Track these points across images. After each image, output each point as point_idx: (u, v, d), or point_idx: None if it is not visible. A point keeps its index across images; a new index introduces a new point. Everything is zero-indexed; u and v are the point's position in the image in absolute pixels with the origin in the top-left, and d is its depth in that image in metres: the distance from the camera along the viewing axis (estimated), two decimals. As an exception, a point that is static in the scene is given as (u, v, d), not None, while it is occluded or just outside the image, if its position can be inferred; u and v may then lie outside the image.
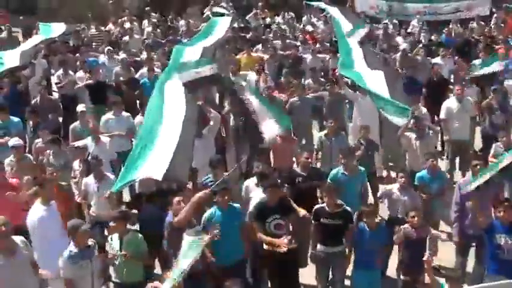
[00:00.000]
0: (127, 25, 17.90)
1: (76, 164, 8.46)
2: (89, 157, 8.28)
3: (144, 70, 12.39)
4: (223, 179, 6.88)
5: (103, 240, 6.71)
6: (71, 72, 12.33)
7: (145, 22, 18.88)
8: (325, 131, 9.37)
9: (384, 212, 7.75)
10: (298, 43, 15.50)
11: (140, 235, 6.61)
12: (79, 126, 9.68)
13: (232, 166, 8.81)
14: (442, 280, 5.93)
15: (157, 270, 7.19)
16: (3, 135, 9.32)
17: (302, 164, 7.96)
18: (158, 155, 6.46)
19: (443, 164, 10.05)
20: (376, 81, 8.85)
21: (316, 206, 7.05)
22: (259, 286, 7.20)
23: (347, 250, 6.91)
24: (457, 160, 10.03)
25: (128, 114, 9.99)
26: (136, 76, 12.42)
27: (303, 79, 12.39)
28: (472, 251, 7.36)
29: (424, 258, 5.93)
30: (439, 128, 10.34)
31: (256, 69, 12.31)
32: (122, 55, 14.01)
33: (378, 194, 7.82)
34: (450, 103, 10.10)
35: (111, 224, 6.50)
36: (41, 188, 6.89)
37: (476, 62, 12.76)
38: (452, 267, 7.29)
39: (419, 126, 8.66)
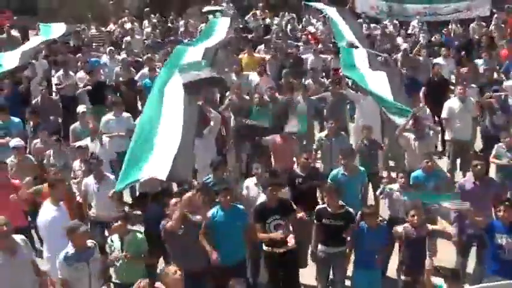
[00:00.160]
0: (128, 25, 17.93)
1: (76, 164, 8.47)
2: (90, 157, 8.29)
3: (145, 70, 12.40)
4: (224, 179, 6.88)
5: (103, 241, 6.72)
6: (71, 73, 12.34)
7: (145, 22, 18.90)
8: (326, 132, 9.38)
9: (384, 212, 7.75)
10: (300, 43, 15.51)
11: (140, 235, 6.62)
12: (79, 127, 9.69)
13: (232, 166, 8.82)
14: (441, 281, 5.93)
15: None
16: (4, 136, 9.33)
17: (301, 164, 7.97)
18: (161, 155, 6.45)
19: (444, 164, 10.04)
20: (378, 82, 8.85)
21: (318, 207, 7.06)
22: (259, 286, 7.20)
23: (347, 250, 6.91)
24: (458, 160, 10.01)
25: (128, 114, 10.00)
26: (137, 76, 12.45)
27: (303, 79, 12.40)
28: (473, 251, 7.35)
29: (426, 265, 5.91)
30: (439, 128, 10.33)
31: (258, 70, 12.32)
32: (123, 55, 14.02)
33: (378, 191, 7.81)
34: (452, 103, 10.07)
35: (116, 224, 6.48)
36: (53, 188, 6.89)
37: (479, 61, 12.77)
38: (453, 267, 7.27)
39: (418, 126, 8.65)
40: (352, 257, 6.86)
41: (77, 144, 8.88)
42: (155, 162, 6.39)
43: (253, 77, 12.14)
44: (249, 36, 16.83)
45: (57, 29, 13.47)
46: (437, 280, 6.06)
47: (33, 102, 11.11)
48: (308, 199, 7.50)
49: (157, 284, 5.56)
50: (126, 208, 7.50)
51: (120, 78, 12.27)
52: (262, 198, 7.13)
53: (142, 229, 7.29)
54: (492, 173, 8.87)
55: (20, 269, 5.66)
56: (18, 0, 23.94)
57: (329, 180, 7.74)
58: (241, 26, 18.01)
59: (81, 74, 12.44)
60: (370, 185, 8.48)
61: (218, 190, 6.87)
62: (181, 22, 19.22)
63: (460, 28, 16.82)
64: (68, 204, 7.07)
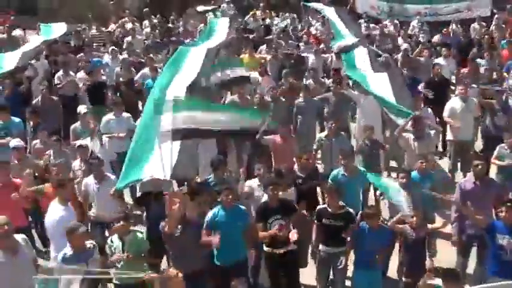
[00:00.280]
0: (128, 26, 17.92)
1: (76, 164, 8.46)
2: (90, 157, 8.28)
3: (145, 70, 12.38)
4: (225, 179, 6.87)
5: (103, 242, 6.70)
6: (71, 73, 12.34)
7: (145, 23, 18.90)
8: (326, 132, 9.37)
9: (383, 212, 7.73)
10: (302, 43, 15.51)
11: (141, 235, 6.62)
12: (79, 127, 9.68)
13: (233, 167, 8.80)
14: (439, 281, 5.91)
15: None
16: (5, 136, 9.31)
17: (301, 164, 7.97)
18: (162, 155, 6.43)
19: (445, 164, 10.03)
20: (379, 83, 8.83)
21: (319, 207, 7.07)
22: (259, 286, 7.19)
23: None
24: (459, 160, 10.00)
25: (129, 115, 9.99)
26: (138, 76, 12.43)
27: (304, 79, 12.39)
28: (473, 252, 7.34)
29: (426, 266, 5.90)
30: (441, 128, 10.32)
31: (259, 70, 12.30)
32: (124, 55, 14.01)
33: (378, 192, 7.80)
34: (454, 103, 10.03)
35: (118, 224, 6.46)
36: (62, 188, 6.92)
37: (481, 61, 12.76)
38: (453, 267, 7.25)
39: (417, 127, 8.64)
40: (353, 258, 6.86)
41: (77, 143, 8.87)
42: (156, 163, 6.38)
43: (255, 76, 12.12)
44: (250, 36, 16.82)
45: (57, 29, 13.45)
46: (437, 280, 6.05)
47: (34, 102, 11.10)
48: (308, 199, 7.49)
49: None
50: (128, 207, 7.48)
51: (121, 79, 12.26)
52: (266, 198, 7.12)
53: (142, 229, 7.29)
54: (492, 174, 8.85)
55: (21, 269, 5.65)
56: (18, 0, 23.90)
57: (329, 181, 7.75)
58: (241, 26, 18.00)
59: (81, 74, 12.43)
60: (372, 186, 8.46)
61: (219, 190, 6.87)
62: (181, 22, 19.22)
63: (460, 28, 16.81)
64: (74, 204, 7.09)
